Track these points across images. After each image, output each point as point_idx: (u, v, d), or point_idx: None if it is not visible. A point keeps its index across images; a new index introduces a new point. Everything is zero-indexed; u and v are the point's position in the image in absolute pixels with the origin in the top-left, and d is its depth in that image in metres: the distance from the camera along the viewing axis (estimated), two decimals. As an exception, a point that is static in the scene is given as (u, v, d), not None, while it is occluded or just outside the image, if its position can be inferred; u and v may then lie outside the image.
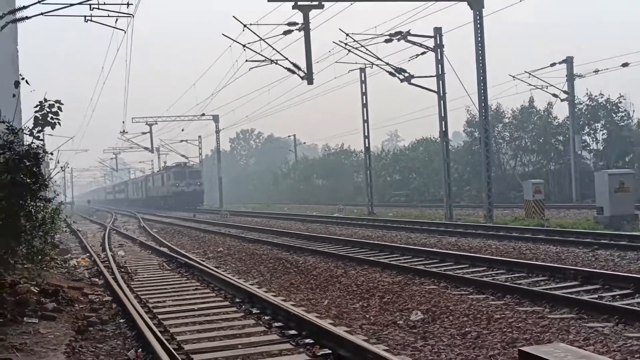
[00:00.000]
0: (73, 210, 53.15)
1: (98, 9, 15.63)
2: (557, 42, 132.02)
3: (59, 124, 10.70)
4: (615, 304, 8.25)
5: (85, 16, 16.22)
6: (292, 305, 8.95)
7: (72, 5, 13.57)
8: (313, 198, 59.66)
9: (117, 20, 16.40)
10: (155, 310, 9.21)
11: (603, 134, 40.08)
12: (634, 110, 44.24)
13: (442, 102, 26.25)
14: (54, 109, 10.64)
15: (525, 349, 4.69)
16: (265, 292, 10.29)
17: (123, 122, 59.39)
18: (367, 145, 35.09)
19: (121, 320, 8.79)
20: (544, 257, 13.10)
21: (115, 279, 12.23)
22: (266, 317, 8.41)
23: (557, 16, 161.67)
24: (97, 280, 12.83)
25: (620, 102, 41.68)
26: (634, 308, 7.84)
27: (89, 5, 15.26)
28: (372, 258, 14.26)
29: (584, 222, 20.23)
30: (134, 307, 8.95)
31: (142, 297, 10.49)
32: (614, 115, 41.47)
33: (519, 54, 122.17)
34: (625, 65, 32.20)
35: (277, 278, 12.42)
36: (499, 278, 10.92)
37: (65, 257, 16.22)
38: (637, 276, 9.72)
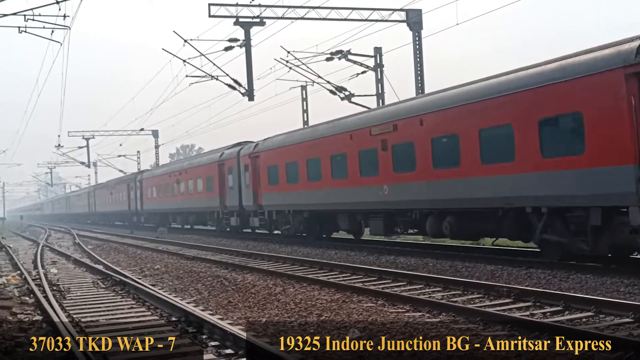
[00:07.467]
0: (4, 226, 51.34)
1: (33, 20, 15.30)
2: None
3: None
4: (546, 321, 8.47)
5: (19, 27, 15.83)
6: (229, 324, 8.86)
7: (5, 15, 13.27)
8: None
9: (52, 32, 16.08)
10: (87, 330, 8.96)
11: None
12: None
13: (382, 121, 26.54)
14: None
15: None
16: (202, 310, 10.16)
17: (59, 135, 58.26)
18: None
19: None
20: (479, 275, 13.34)
21: (46, 297, 11.87)
22: (203, 336, 8.30)
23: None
24: (28, 299, 12.42)
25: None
26: (563, 325, 8.06)
27: (23, 16, 14.93)
28: (311, 276, 14.25)
29: (518, 241, 20.60)
30: (65, 327, 8.70)
31: (74, 315, 10.20)
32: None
33: (456, 75, 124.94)
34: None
35: (215, 296, 12.28)
36: (435, 296, 11.08)
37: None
38: (567, 294, 10.01)
